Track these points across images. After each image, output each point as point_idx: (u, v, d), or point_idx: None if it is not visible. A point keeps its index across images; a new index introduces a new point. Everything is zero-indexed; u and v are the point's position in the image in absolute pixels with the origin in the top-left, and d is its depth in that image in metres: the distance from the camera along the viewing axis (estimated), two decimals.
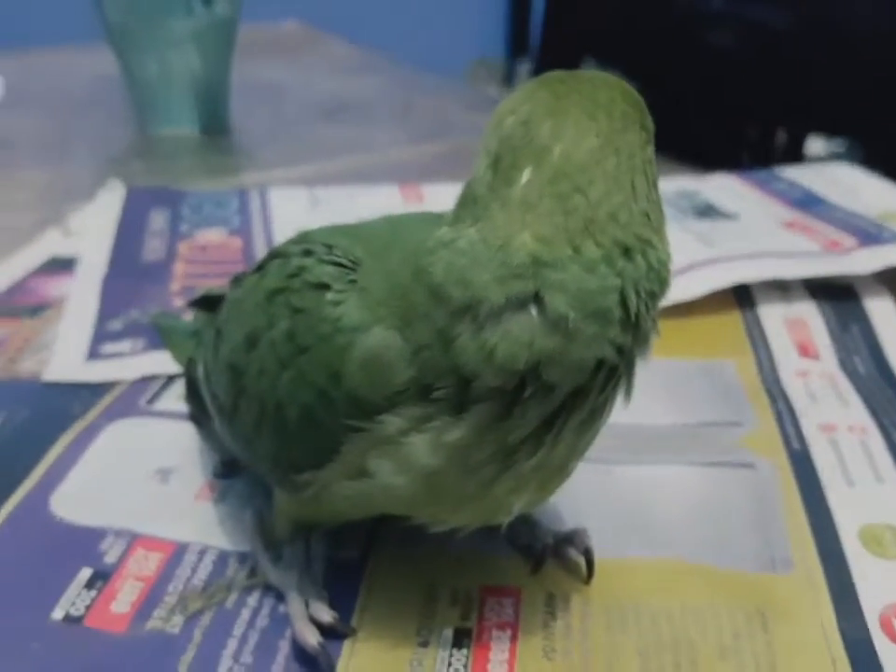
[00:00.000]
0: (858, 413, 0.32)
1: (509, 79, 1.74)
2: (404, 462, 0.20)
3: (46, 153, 0.64)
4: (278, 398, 0.22)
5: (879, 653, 0.23)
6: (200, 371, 0.27)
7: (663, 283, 0.19)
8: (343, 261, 0.22)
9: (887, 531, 0.27)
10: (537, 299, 0.18)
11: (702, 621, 0.24)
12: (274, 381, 0.22)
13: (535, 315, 0.18)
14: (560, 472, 0.22)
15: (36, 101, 0.75)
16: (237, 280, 0.27)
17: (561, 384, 0.19)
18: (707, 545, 0.26)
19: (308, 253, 0.23)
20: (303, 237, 0.24)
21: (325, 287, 0.21)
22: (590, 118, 0.19)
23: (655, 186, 0.20)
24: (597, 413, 0.20)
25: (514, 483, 0.21)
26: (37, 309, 0.39)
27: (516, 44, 1.95)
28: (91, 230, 0.46)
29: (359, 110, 0.74)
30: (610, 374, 0.19)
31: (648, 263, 0.19)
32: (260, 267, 0.25)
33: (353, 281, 0.21)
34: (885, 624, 0.24)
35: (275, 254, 0.25)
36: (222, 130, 0.69)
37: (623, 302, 0.18)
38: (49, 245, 0.45)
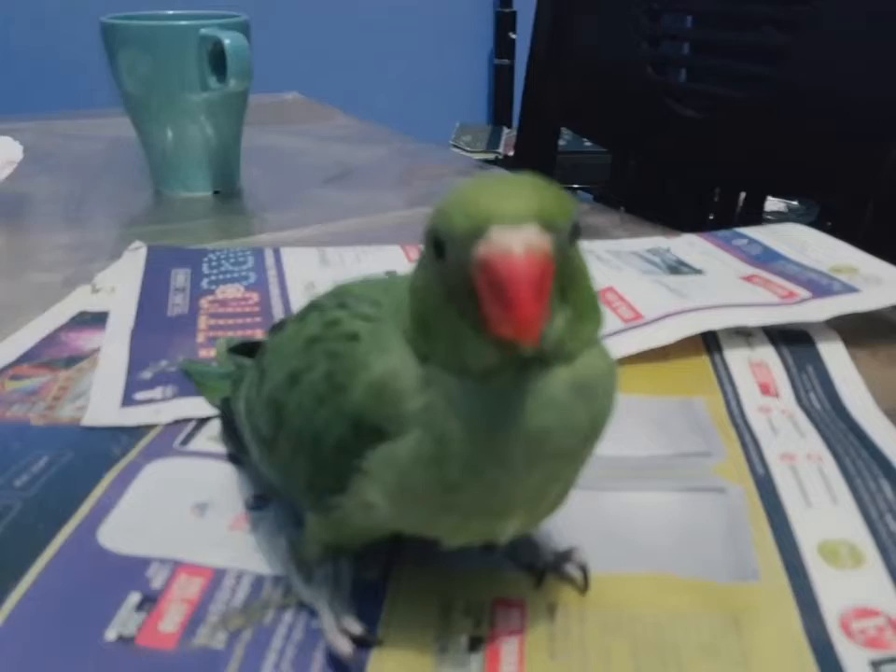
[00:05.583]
0: (814, 443, 0.36)
1: (494, 143, 1.81)
2: (391, 493, 0.24)
3: (66, 215, 0.68)
4: (314, 429, 0.25)
5: (839, 650, 0.26)
6: (241, 407, 0.30)
7: None
8: (370, 313, 0.25)
9: (842, 546, 0.30)
10: None
11: (684, 625, 0.27)
12: (312, 415, 0.25)
13: None
14: (541, 501, 0.25)
15: (54, 165, 0.80)
16: (276, 328, 0.30)
17: None
18: (684, 559, 0.30)
19: (342, 306, 0.26)
20: (338, 290, 0.28)
21: (356, 337, 0.25)
22: None
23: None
24: None
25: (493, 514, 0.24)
26: (71, 360, 0.42)
27: (498, 112, 2.04)
28: (118, 286, 0.49)
29: (360, 176, 0.79)
30: None
31: None
32: (301, 317, 0.28)
33: (379, 331, 0.24)
34: (844, 625, 0.27)
35: (313, 306, 0.28)
36: (233, 193, 0.73)
37: None
38: (78, 300, 0.48)
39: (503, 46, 2.05)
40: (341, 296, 0.27)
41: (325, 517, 0.27)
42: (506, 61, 2.05)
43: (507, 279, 0.19)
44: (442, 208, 0.21)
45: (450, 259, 0.21)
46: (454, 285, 0.21)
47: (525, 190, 0.20)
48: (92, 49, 0.70)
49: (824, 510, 0.32)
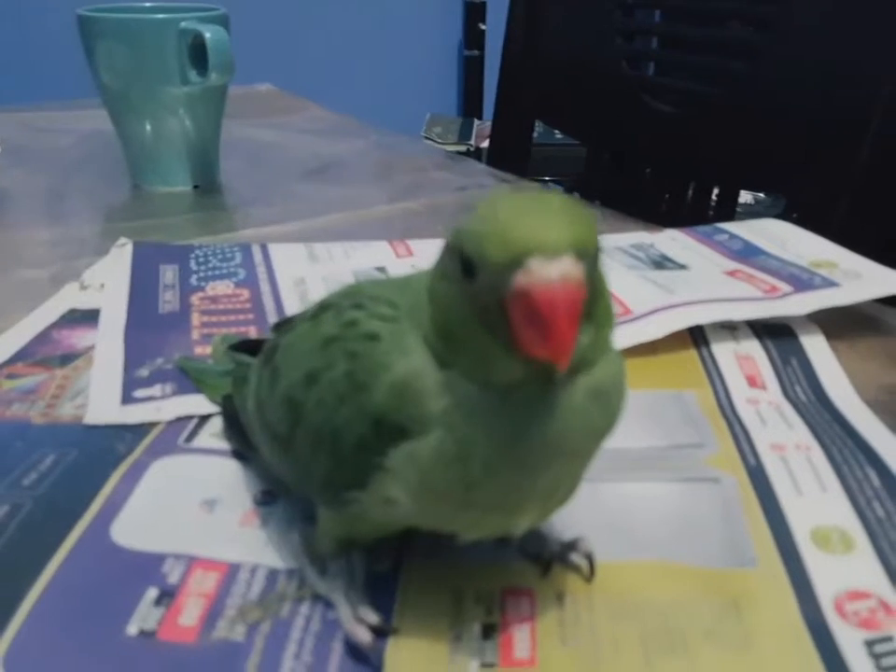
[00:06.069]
0: (802, 433, 0.37)
1: (466, 135, 1.82)
2: (413, 490, 0.24)
3: (45, 210, 0.67)
4: (334, 427, 0.25)
5: (835, 631, 0.27)
6: (249, 404, 0.30)
7: None
8: (388, 313, 0.26)
9: (833, 532, 0.31)
10: None
11: (687, 610, 0.28)
12: (332, 413, 0.25)
13: None
14: (553, 496, 0.26)
15: (29, 158, 0.79)
16: (280, 326, 0.31)
17: None
18: (683, 548, 0.31)
19: (358, 307, 0.26)
20: (351, 290, 0.28)
21: (377, 337, 0.25)
22: None
23: None
24: None
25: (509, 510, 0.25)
26: (66, 358, 0.42)
27: (469, 103, 2.05)
28: (107, 283, 0.49)
29: (339, 170, 0.79)
30: None
31: None
32: (314, 316, 0.28)
33: (398, 331, 0.25)
34: (839, 608, 0.28)
35: (327, 305, 0.28)
36: (213, 187, 0.72)
37: None
38: (67, 298, 0.48)
39: (473, 37, 2.05)
40: (355, 296, 0.27)
41: (340, 513, 0.27)
42: (476, 52, 2.05)
43: (545, 309, 0.20)
44: (474, 230, 0.21)
45: (481, 282, 0.21)
46: (484, 305, 0.21)
47: (560, 218, 0.21)
48: (69, 40, 0.69)
49: (814, 497, 0.33)
